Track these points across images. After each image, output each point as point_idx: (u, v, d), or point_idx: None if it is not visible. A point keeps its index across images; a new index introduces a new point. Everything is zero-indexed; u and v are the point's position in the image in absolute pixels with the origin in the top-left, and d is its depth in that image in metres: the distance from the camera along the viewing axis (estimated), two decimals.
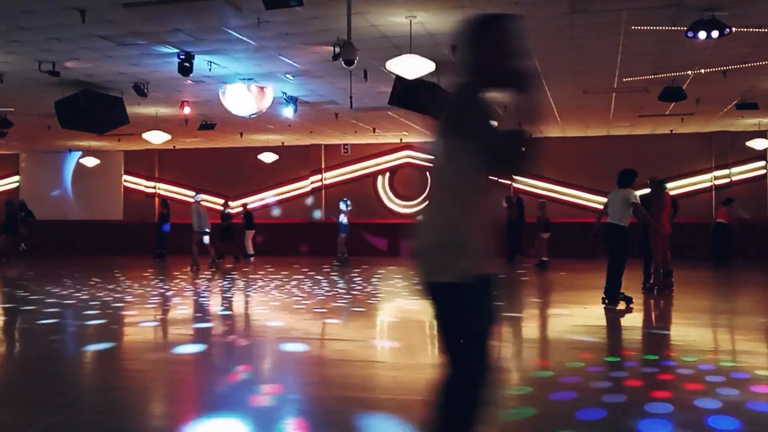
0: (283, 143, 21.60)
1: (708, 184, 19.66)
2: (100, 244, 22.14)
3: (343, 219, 17.35)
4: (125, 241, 22.22)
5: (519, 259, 16.76)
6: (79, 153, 23.53)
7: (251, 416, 4.71)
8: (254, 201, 22.19)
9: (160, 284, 13.19)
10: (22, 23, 8.48)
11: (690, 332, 8.23)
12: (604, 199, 10.27)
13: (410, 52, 8.77)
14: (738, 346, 7.52)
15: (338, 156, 22.36)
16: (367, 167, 22.19)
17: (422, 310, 10.34)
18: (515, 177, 16.00)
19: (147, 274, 15.38)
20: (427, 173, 3.05)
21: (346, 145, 22.11)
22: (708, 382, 5.55)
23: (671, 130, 19.12)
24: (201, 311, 10.08)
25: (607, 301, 9.67)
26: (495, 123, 2.84)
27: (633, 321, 9.06)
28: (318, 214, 22.19)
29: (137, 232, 22.16)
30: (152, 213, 22.87)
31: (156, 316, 9.60)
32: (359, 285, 12.70)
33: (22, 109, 14.31)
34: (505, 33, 2.96)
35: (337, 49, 8.53)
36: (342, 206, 17.46)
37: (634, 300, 9.75)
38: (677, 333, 8.44)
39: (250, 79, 11.65)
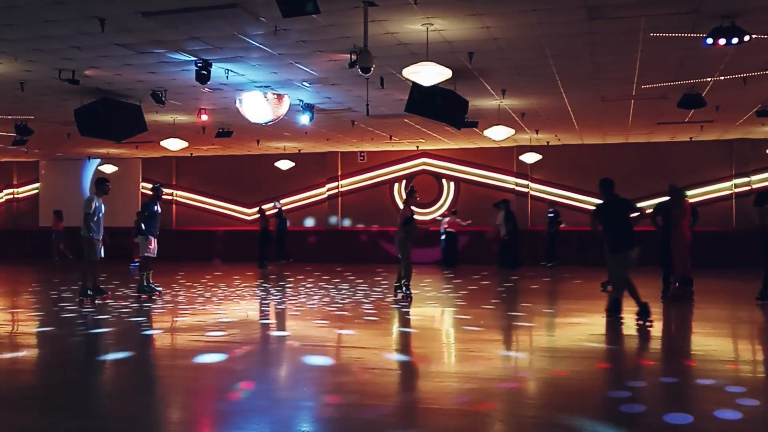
0: (299, 150, 21.66)
1: (728, 192, 19.47)
2: (117, 251, 22.21)
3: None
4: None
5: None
6: (98, 160, 23.71)
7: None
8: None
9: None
10: (42, 32, 8.57)
11: (709, 341, 8.14)
12: None
13: (427, 60, 8.76)
14: (758, 355, 7.42)
15: (354, 163, 22.38)
16: (383, 174, 22.19)
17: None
18: None
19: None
20: None
21: (363, 152, 22.13)
22: (728, 392, 5.48)
23: (691, 138, 18.95)
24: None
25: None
26: None
27: (652, 330, 8.97)
28: (336, 222, 22.22)
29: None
30: (170, 219, 22.98)
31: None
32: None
33: (42, 116, 14.47)
34: None
35: (354, 57, 8.53)
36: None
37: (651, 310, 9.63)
38: (697, 342, 8.35)
39: (266, 87, 11.70)
